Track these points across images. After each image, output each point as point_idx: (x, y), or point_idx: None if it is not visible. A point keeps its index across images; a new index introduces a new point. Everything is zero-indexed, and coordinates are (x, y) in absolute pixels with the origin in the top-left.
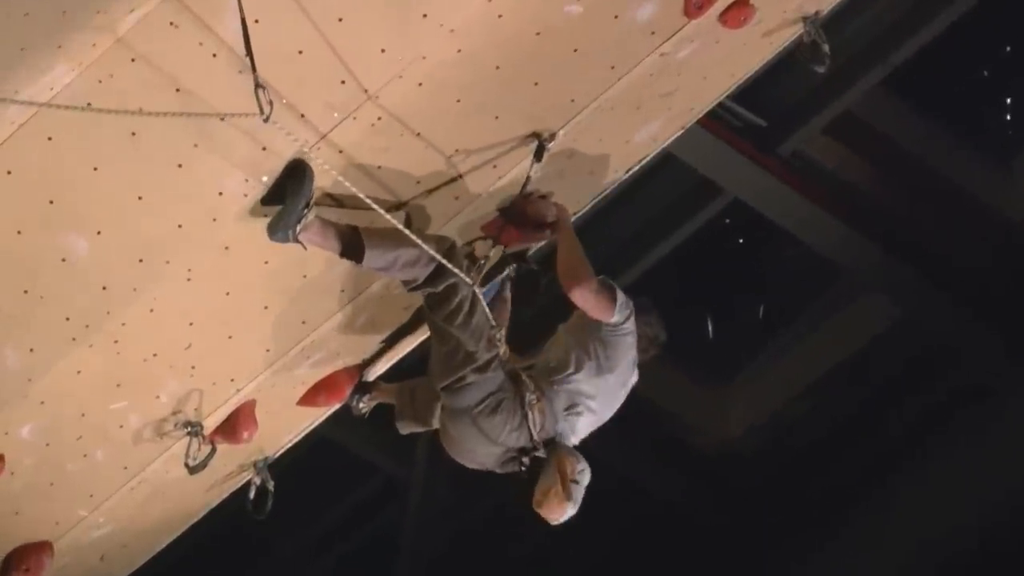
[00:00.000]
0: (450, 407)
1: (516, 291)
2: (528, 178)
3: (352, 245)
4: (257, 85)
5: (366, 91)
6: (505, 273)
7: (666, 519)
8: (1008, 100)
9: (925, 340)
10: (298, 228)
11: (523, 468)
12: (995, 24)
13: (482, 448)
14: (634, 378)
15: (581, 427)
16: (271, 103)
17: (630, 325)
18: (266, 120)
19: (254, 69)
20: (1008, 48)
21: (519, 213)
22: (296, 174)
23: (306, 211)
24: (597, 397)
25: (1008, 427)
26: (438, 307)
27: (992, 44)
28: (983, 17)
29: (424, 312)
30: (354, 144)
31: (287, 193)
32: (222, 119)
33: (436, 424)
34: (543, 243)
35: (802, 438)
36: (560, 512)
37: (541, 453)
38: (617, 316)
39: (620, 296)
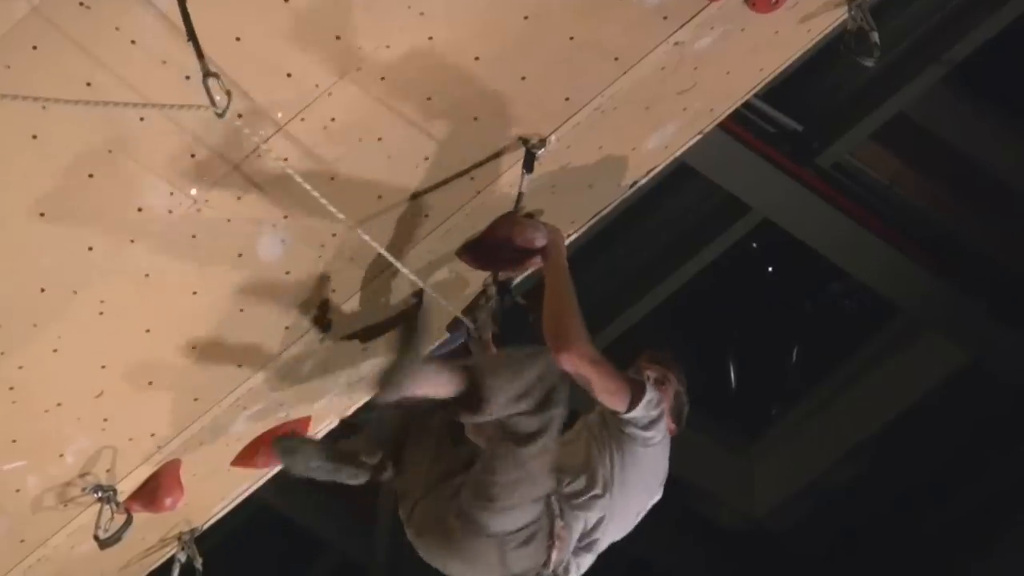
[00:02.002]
0: (475, 523)
1: (499, 331)
2: (520, 194)
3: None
4: (207, 73)
5: (317, 86)
6: (485, 307)
7: None
8: None
9: (998, 392)
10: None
11: None
12: None
13: (483, 574)
14: (656, 498)
15: (585, 565)
16: (229, 93)
17: (656, 434)
18: (221, 115)
19: (200, 55)
20: None
21: (501, 236)
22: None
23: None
24: (610, 525)
25: None
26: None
27: None
28: None
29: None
30: (302, 150)
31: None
32: (173, 108)
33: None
34: (530, 272)
35: (847, 512)
36: None
37: None
38: (638, 411)
39: (650, 393)
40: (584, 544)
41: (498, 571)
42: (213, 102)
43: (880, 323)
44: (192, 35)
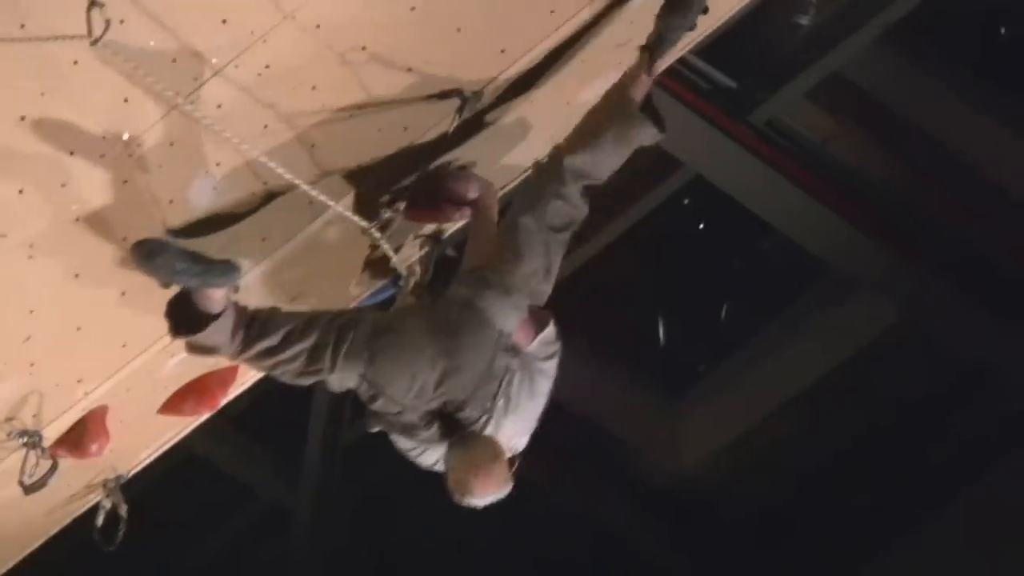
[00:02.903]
0: (481, 314)
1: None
2: (447, 138)
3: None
4: (92, 3)
5: (252, 32)
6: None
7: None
8: None
9: (929, 348)
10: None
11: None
12: None
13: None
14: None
15: None
16: (108, 22)
17: (550, 369)
18: (94, 43)
19: None
20: None
21: (432, 188)
22: None
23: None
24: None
25: None
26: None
27: None
28: None
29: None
30: (235, 97)
31: None
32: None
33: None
34: (460, 224)
35: (775, 470)
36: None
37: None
38: (535, 347)
39: (550, 329)
40: None
41: (481, 369)
42: (90, 31)
43: (811, 281)
44: None
